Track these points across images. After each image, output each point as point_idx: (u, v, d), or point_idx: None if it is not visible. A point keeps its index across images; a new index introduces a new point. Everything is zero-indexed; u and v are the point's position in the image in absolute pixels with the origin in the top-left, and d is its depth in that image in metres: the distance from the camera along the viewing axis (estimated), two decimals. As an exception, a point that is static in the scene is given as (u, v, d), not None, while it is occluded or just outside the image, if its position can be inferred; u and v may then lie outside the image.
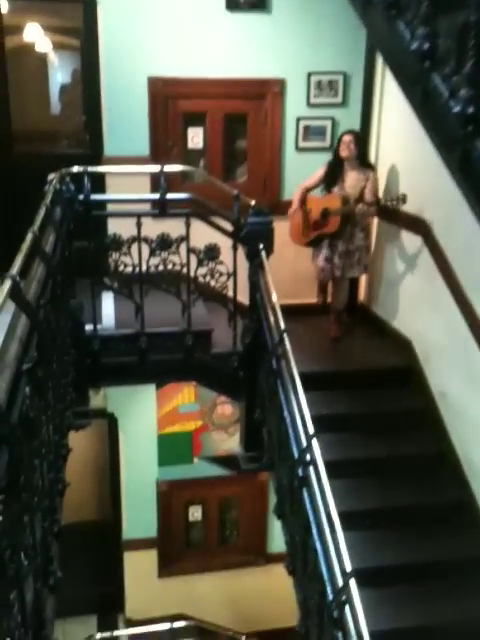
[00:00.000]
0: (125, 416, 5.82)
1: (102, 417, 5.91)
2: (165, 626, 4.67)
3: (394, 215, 5.00)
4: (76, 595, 6.65)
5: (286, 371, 3.69)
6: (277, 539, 6.21)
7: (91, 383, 4.27)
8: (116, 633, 5.13)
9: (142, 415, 5.83)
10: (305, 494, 3.39)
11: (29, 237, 2.20)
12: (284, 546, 3.93)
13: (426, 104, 2.05)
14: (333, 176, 4.98)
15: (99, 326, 4.18)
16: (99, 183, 4.73)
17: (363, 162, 5.00)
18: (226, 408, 6.17)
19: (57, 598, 2.21)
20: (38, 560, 1.93)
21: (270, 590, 6.17)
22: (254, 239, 3.95)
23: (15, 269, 1.77)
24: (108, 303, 4.65)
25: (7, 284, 1.65)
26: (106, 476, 6.72)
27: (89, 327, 4.13)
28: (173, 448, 6.09)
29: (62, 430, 3.11)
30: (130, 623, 6.24)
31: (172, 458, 6.11)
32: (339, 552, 3.03)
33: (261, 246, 3.94)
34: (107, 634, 4.91)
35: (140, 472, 6.01)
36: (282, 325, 3.76)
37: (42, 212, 2.71)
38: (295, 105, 5.35)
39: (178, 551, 6.40)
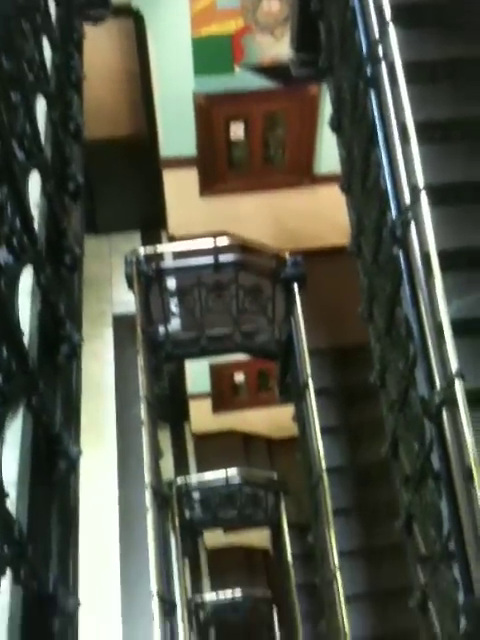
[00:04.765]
0: (153, 13, 4.94)
1: (127, 15, 5.02)
2: (208, 242, 4.62)
3: None
4: (118, 211, 6.71)
5: None
6: (326, 159, 5.85)
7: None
8: (160, 248, 5.15)
9: (172, 12, 4.93)
10: (372, 99, 2.89)
11: None
12: (332, 167, 3.56)
13: None
14: None
15: None
16: None
17: None
18: (273, 4, 5.17)
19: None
20: (45, 156, 1.50)
21: (316, 211, 6.06)
22: None
23: None
24: None
25: None
26: (138, 87, 6.08)
27: None
28: (211, 54, 5.32)
29: (68, 7, 2.43)
30: (173, 239, 6.33)
31: (210, 66, 5.37)
32: (410, 165, 2.64)
33: None
34: (151, 248, 4.91)
35: (174, 82, 5.40)
36: None
37: None
38: None
39: (220, 171, 6.12)
